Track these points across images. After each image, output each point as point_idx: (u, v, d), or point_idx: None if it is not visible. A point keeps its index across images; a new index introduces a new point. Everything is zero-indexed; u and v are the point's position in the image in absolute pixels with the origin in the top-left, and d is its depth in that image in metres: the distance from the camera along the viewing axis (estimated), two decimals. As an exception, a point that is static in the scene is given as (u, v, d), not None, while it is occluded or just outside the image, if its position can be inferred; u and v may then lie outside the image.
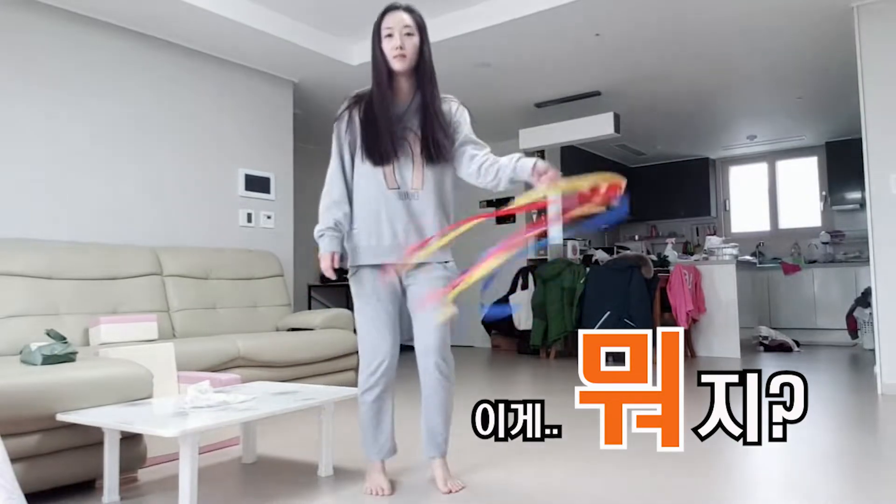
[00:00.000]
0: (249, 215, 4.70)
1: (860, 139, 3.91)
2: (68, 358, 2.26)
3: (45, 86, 3.63)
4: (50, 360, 2.20)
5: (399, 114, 2.10)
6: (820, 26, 4.27)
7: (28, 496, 1.61)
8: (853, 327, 6.10)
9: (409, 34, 2.07)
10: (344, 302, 7.26)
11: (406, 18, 2.08)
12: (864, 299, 5.76)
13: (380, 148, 2.07)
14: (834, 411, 3.35)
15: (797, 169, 8.01)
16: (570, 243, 6.99)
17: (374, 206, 2.10)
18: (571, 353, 6.08)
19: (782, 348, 6.10)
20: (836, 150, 7.31)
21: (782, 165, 8.10)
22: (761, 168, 8.22)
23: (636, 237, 8.70)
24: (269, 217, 4.84)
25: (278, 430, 2.98)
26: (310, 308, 6.91)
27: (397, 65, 2.07)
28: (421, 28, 2.11)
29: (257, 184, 4.75)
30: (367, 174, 2.11)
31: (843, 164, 7.15)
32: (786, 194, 8.11)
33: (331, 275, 2.10)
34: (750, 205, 8.33)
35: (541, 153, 6.90)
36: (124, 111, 4.00)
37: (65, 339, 2.37)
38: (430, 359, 2.07)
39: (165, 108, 4.23)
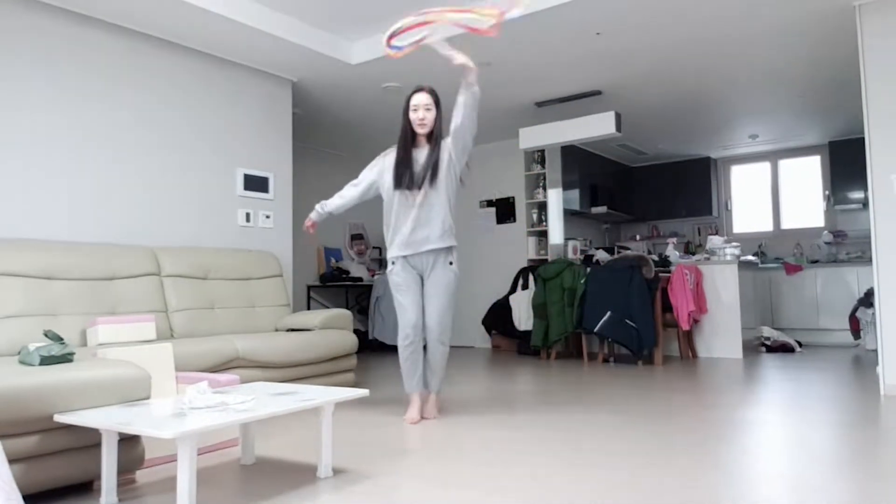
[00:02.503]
0: (248, 215, 4.69)
1: (863, 138, 3.89)
2: (66, 359, 2.24)
3: (44, 85, 3.62)
4: (48, 360, 2.19)
5: (416, 157, 3.14)
6: (822, 25, 4.26)
7: (26, 497, 1.59)
8: (856, 328, 6.09)
9: (428, 109, 3.08)
10: (343, 302, 7.25)
11: (426, 98, 3.09)
12: (867, 300, 5.75)
13: (402, 179, 3.11)
14: (836, 412, 3.33)
15: (800, 168, 8.00)
16: (570, 243, 6.99)
17: (395, 216, 3.15)
18: (572, 354, 6.07)
19: (784, 349, 6.09)
20: (839, 150, 7.29)
21: (784, 165, 8.08)
22: (763, 167, 8.21)
23: (637, 237, 8.69)
24: (267, 217, 4.82)
25: (277, 431, 2.97)
26: (309, 308, 6.90)
27: (420, 130, 3.11)
28: (437, 103, 3.12)
29: (256, 183, 4.74)
30: (393, 196, 3.16)
31: (845, 164, 7.14)
32: (788, 194, 8.09)
33: (306, 229, 3.39)
34: (752, 204, 8.31)
35: (541, 153, 6.90)
36: (123, 111, 3.99)
37: (62, 339, 2.36)
38: (432, 334, 3.16)
39: (164, 108, 4.22)
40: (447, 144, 3.14)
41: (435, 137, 3.13)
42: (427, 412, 3.19)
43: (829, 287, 6.96)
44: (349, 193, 3.31)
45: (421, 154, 3.15)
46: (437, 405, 3.26)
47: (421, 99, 3.08)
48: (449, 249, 3.17)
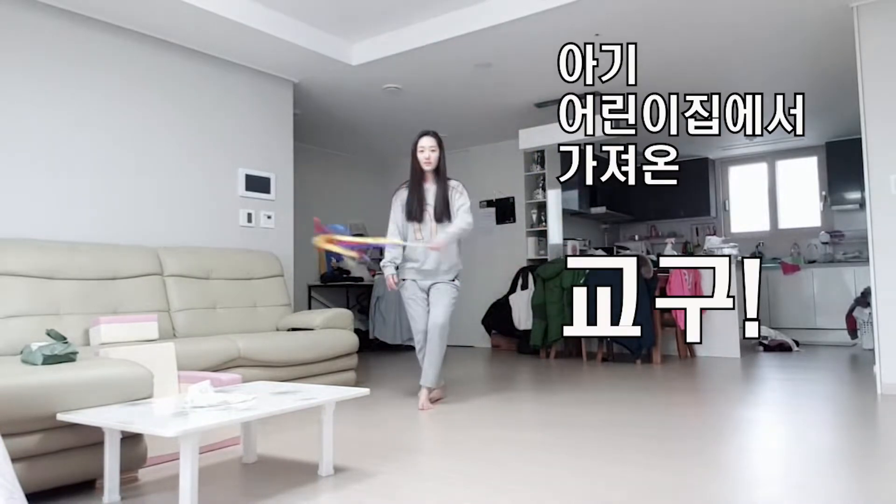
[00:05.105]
0: (250, 215, 4.71)
1: (860, 139, 3.91)
2: (69, 358, 2.26)
3: (45, 85, 3.64)
4: (50, 360, 2.20)
5: (425, 194, 3.62)
6: (819, 26, 4.28)
7: (29, 496, 1.61)
8: (853, 327, 6.10)
9: (433, 150, 3.58)
10: (344, 302, 7.27)
11: (432, 141, 3.59)
12: (864, 299, 5.76)
13: (413, 215, 3.61)
14: (834, 411, 3.35)
15: (797, 169, 8.01)
16: (569, 243, 7.00)
17: (409, 249, 3.65)
18: (571, 353, 6.09)
19: (782, 348, 6.10)
20: (836, 150, 7.30)
21: (782, 165, 8.10)
22: (761, 168, 8.22)
23: (636, 237, 8.70)
24: (269, 217, 4.84)
25: (279, 430, 2.99)
26: (310, 308, 6.91)
27: (426, 167, 3.60)
28: (440, 145, 3.62)
29: (257, 184, 4.76)
30: (406, 227, 3.66)
31: (842, 164, 7.15)
32: (785, 194, 8.10)
33: (391, 287, 3.72)
34: (749, 205, 8.33)
35: (541, 153, 6.92)
36: (125, 111, 4.01)
37: (65, 338, 2.37)
38: (434, 330, 3.54)
39: (166, 108, 4.24)
40: (455, 197, 3.63)
41: (440, 173, 3.63)
42: (425, 403, 3.50)
43: (826, 287, 6.98)
44: (398, 240, 3.67)
45: (430, 189, 3.62)
46: (437, 396, 3.68)
47: (426, 142, 3.58)
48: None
